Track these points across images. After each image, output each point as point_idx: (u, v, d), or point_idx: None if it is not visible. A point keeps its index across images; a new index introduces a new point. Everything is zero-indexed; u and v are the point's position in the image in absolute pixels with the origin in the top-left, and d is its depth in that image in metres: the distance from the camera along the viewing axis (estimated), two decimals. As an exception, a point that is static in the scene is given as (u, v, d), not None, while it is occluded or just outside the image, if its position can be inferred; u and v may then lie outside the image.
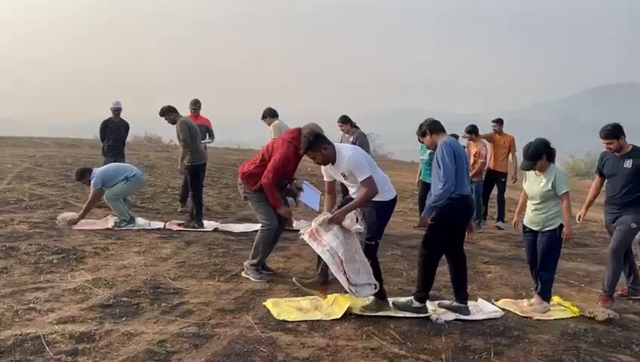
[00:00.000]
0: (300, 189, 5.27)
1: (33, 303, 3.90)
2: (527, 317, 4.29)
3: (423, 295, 4.21)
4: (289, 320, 3.87)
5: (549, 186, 4.31)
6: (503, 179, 8.20)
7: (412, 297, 4.25)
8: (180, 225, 6.75)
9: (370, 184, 3.97)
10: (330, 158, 4.07)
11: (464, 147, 7.90)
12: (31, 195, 8.04)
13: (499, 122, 8.33)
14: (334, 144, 4.13)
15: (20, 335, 3.33)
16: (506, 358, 3.52)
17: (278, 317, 3.89)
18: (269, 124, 7.25)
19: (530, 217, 4.50)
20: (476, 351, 3.59)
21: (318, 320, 3.90)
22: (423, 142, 4.56)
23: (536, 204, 4.43)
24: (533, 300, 4.54)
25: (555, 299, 4.71)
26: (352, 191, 4.24)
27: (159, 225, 6.76)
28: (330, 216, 4.01)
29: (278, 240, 5.16)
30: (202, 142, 8.01)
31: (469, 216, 4.39)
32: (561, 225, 4.34)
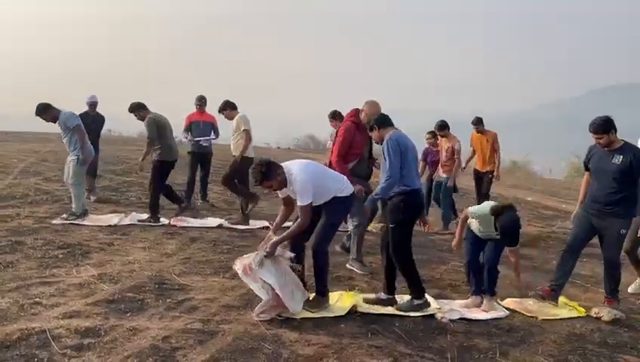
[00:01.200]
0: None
1: (39, 298, 3.91)
2: (532, 317, 4.27)
3: (418, 292, 4.21)
4: (293, 317, 3.87)
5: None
6: (490, 176, 8.13)
7: (410, 296, 4.25)
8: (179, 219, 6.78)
9: (304, 212, 3.90)
10: (284, 182, 4.01)
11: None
12: (36, 190, 8.07)
13: (478, 123, 8.22)
14: (283, 166, 4.03)
15: (26, 329, 3.34)
16: (512, 358, 3.50)
17: (282, 314, 3.89)
18: (231, 118, 7.07)
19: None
20: (481, 350, 3.57)
21: (322, 318, 3.89)
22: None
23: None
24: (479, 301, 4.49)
25: (562, 299, 4.69)
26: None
27: (164, 221, 6.77)
28: (264, 253, 3.89)
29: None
30: (206, 138, 8.01)
31: (421, 209, 4.39)
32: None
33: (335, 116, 7.46)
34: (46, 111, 6.50)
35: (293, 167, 4.01)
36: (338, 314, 3.96)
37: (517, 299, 4.65)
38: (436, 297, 4.54)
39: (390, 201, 4.22)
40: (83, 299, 3.96)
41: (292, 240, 4.07)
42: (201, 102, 8.17)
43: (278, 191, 4.17)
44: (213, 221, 6.95)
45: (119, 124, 26.51)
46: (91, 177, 8.05)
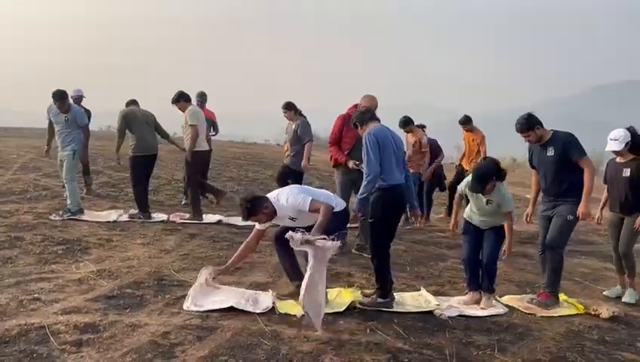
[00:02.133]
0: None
1: (38, 293, 3.91)
2: (531, 314, 4.28)
3: (384, 291, 4.15)
4: (292, 313, 3.87)
5: (495, 204, 4.30)
6: None
7: (375, 293, 4.18)
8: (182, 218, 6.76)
9: (322, 207, 3.85)
10: (273, 214, 4.01)
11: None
12: (36, 186, 8.07)
13: (466, 122, 8.22)
14: (269, 197, 4.03)
15: (25, 325, 3.34)
16: (510, 354, 3.50)
17: (281, 311, 3.89)
18: (183, 110, 6.83)
19: (479, 220, 4.47)
20: (480, 346, 3.58)
21: (321, 314, 3.89)
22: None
23: (484, 215, 4.42)
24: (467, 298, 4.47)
25: (561, 296, 4.69)
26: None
27: (163, 217, 6.77)
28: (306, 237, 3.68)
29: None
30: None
31: (403, 205, 4.34)
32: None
33: (289, 107, 7.17)
34: (63, 100, 6.57)
35: (280, 195, 4.02)
36: (337, 311, 3.96)
37: (516, 296, 4.65)
38: (435, 294, 4.54)
39: (371, 197, 4.16)
40: (82, 294, 3.96)
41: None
42: (202, 98, 8.15)
43: (256, 224, 4.21)
44: (212, 217, 6.95)
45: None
46: (86, 175, 8.06)
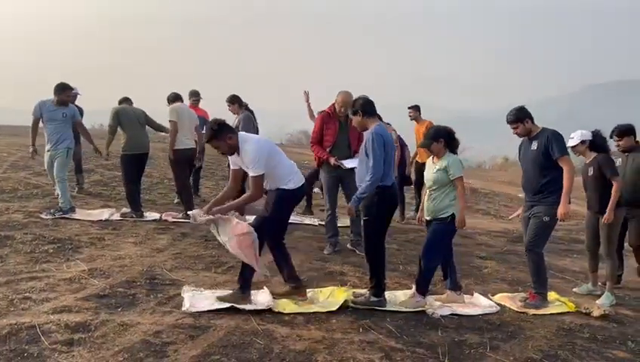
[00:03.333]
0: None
1: (28, 292, 3.88)
2: (523, 312, 4.30)
3: (378, 289, 4.15)
4: (285, 312, 3.87)
5: (444, 170, 4.22)
6: None
7: (368, 292, 4.19)
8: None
9: (255, 184, 3.84)
10: (234, 148, 3.93)
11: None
12: (26, 184, 8.00)
13: (415, 108, 7.96)
14: (240, 133, 4.00)
15: (15, 324, 3.31)
16: (502, 353, 3.52)
17: (274, 309, 3.88)
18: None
19: (426, 206, 4.39)
20: (472, 345, 3.59)
21: (314, 313, 3.89)
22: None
23: (432, 191, 4.32)
24: (411, 292, 4.35)
25: (552, 294, 4.72)
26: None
27: (155, 216, 6.74)
28: (209, 218, 3.88)
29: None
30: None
31: (395, 204, 4.34)
32: (454, 215, 4.19)
33: (232, 101, 7.15)
34: (64, 93, 6.54)
35: (248, 138, 3.98)
36: (330, 310, 3.96)
37: (508, 294, 4.68)
38: (427, 292, 4.55)
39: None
40: (73, 294, 3.93)
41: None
42: (196, 97, 8.12)
43: (229, 158, 4.13)
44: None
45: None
46: (78, 173, 8.01)
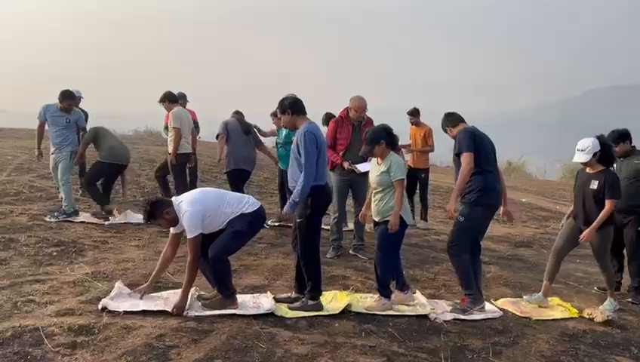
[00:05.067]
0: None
1: (32, 295, 3.90)
2: (526, 318, 4.29)
3: (315, 292, 4.06)
4: (288, 316, 3.87)
5: (386, 172, 4.13)
6: (424, 175, 7.80)
7: (305, 297, 4.08)
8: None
9: (192, 246, 3.78)
10: (174, 220, 3.88)
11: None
12: (31, 187, 8.03)
13: (414, 114, 7.79)
14: (173, 201, 3.92)
15: (19, 327, 3.33)
16: (505, 358, 3.52)
17: (276, 313, 3.89)
18: (169, 110, 6.82)
19: (373, 208, 4.32)
20: (475, 350, 3.59)
21: (316, 317, 3.90)
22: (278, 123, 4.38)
23: (377, 193, 4.25)
24: (376, 296, 4.28)
25: (555, 299, 4.72)
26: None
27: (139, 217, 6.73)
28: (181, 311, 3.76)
29: None
30: None
31: (328, 203, 4.27)
32: (401, 216, 4.11)
33: (163, 100, 6.97)
34: (66, 102, 6.56)
35: (183, 202, 3.86)
36: (332, 313, 3.96)
37: (511, 300, 4.67)
38: (430, 297, 4.56)
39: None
40: (77, 296, 3.95)
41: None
42: (184, 99, 8.13)
43: (170, 229, 4.01)
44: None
45: (119, 121, 26.45)
46: (82, 177, 8.03)
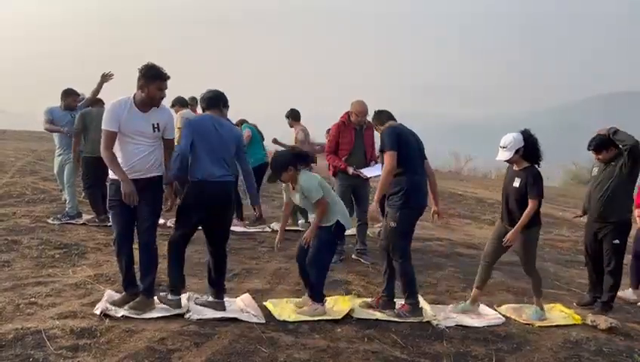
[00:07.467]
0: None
1: (34, 297, 3.90)
2: (528, 324, 4.27)
3: (175, 288, 3.92)
4: (290, 320, 3.87)
5: (304, 197, 4.06)
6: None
7: (167, 293, 3.93)
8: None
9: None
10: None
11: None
12: (33, 189, 8.05)
13: (291, 116, 7.41)
14: None
15: (21, 329, 3.33)
16: (508, 365, 3.50)
17: (279, 318, 3.88)
18: (177, 112, 6.78)
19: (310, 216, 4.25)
20: (477, 356, 3.57)
21: (319, 321, 3.89)
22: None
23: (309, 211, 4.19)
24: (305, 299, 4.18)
25: (558, 306, 4.70)
26: None
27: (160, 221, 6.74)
28: None
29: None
30: None
31: (205, 201, 3.93)
32: (338, 222, 4.06)
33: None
34: (69, 98, 6.57)
35: None
36: (335, 318, 3.95)
37: (513, 306, 4.65)
38: (433, 303, 4.54)
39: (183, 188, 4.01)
40: (79, 299, 3.95)
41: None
42: (194, 102, 8.16)
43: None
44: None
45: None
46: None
